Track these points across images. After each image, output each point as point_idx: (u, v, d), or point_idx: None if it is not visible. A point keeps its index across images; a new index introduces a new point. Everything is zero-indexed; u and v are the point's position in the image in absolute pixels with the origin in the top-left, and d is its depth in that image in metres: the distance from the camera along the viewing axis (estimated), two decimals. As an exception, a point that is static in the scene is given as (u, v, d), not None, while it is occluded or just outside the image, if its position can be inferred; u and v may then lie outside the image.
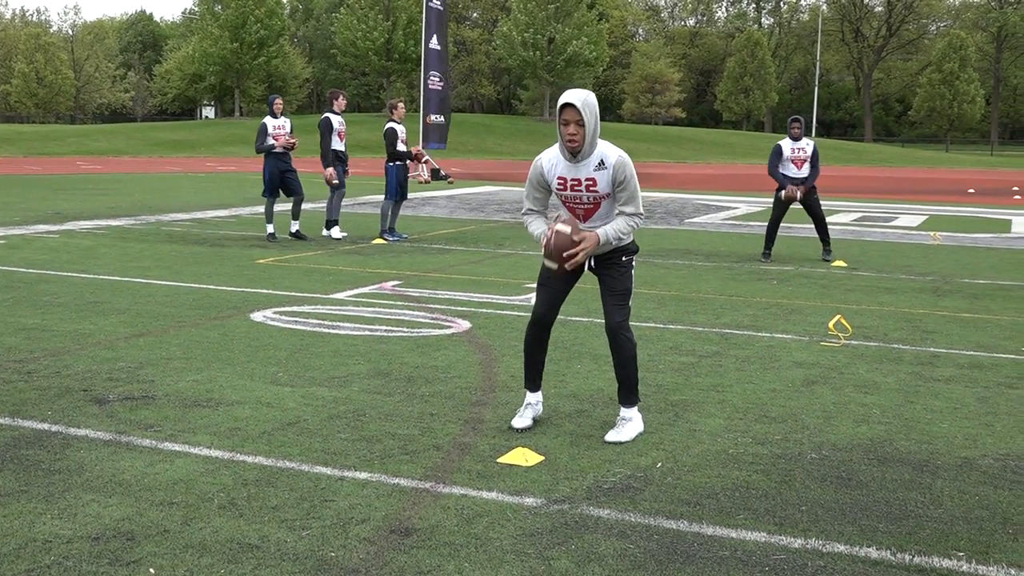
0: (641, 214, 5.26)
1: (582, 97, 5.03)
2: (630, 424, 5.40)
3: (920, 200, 27.52)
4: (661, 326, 8.49)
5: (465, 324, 8.35)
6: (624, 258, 5.36)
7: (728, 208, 22.58)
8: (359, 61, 72.25)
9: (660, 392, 6.29)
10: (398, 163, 14.57)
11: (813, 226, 13.72)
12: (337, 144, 14.44)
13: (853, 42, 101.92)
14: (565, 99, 5.01)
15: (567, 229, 5.13)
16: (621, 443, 5.25)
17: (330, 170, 14.28)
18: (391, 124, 14.51)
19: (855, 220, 20.18)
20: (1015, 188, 35.23)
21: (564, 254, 5.12)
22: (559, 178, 5.24)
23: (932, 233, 17.37)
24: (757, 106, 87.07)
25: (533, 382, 5.54)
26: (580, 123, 5.03)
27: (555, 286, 5.40)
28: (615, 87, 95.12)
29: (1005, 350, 7.83)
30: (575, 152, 5.11)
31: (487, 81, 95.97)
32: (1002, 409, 6.11)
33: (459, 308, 9.10)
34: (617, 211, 5.24)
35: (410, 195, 24.45)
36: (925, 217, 21.33)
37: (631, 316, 5.75)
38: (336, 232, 14.69)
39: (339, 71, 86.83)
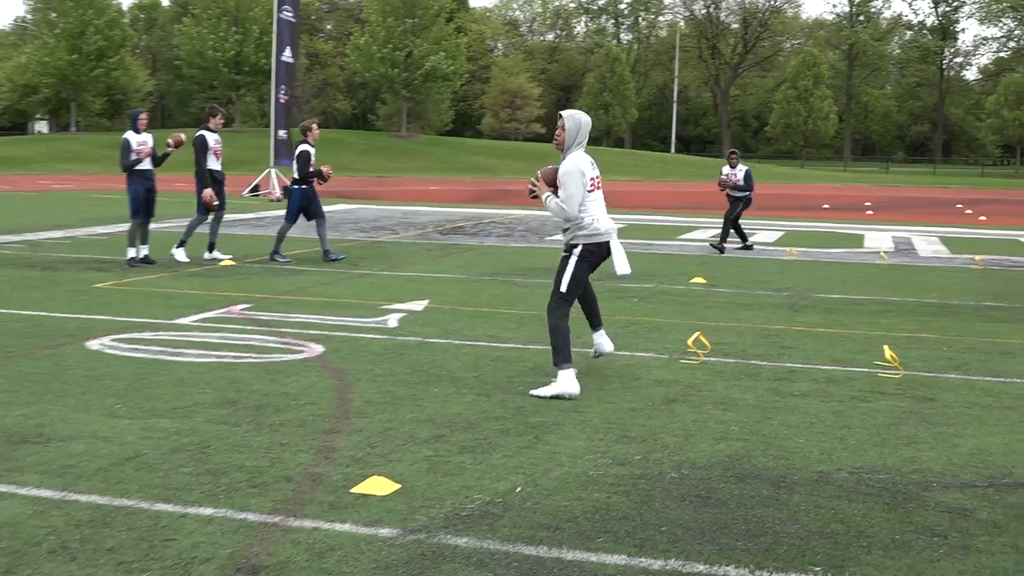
0: (563, 201, 7.05)
1: (571, 112, 7.26)
2: (552, 384, 6.90)
3: (777, 216, 28.47)
4: (522, 346, 8.54)
5: (318, 348, 8.24)
6: (564, 252, 7.22)
7: (589, 225, 22.90)
8: (207, 73, 70.79)
9: (520, 414, 6.32)
10: (303, 186, 14.42)
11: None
12: (213, 163, 14.18)
13: (710, 59, 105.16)
14: (562, 112, 7.27)
15: (550, 171, 7.34)
16: (540, 396, 6.80)
17: (208, 191, 14.00)
18: (305, 147, 14.37)
19: (713, 236, 20.70)
20: (867, 204, 36.78)
21: (532, 180, 7.41)
22: None
23: (788, 249, 17.97)
24: (617, 122, 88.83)
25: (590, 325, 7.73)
26: (563, 127, 7.17)
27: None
28: (474, 102, 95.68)
29: (858, 364, 8.15)
30: (559, 149, 7.26)
31: (342, 95, 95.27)
32: (856, 423, 6.34)
33: (312, 332, 8.98)
34: None
35: (262, 214, 24.03)
36: (781, 233, 22.08)
37: (570, 302, 7.10)
38: (218, 255, 14.50)
39: (185, 83, 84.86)
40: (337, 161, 55.06)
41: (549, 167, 7.40)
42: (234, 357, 7.82)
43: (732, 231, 17.93)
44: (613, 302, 11.30)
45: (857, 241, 20.40)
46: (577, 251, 7.08)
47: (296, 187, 14.47)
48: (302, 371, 7.39)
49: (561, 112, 7.27)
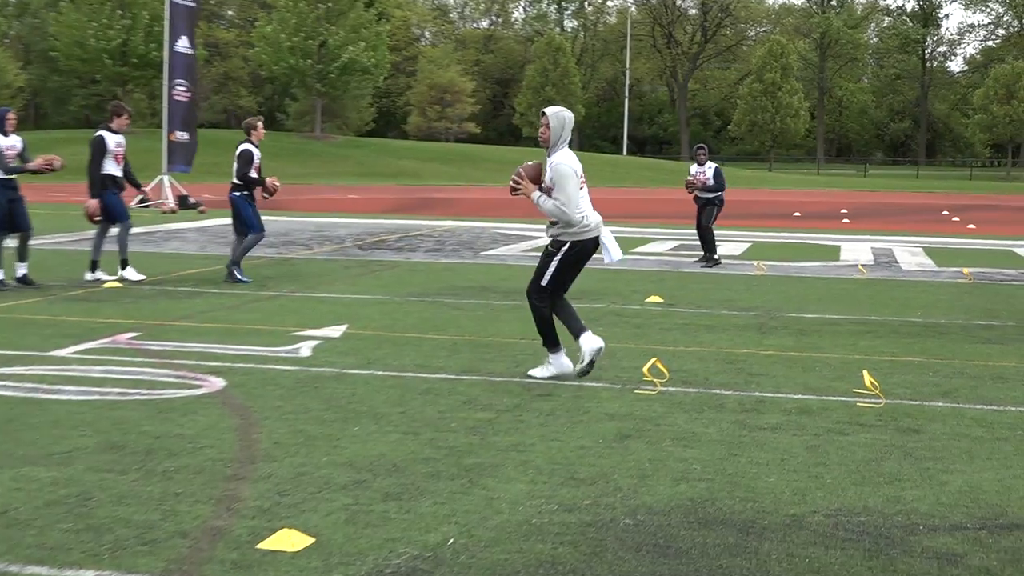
0: (561, 202, 8.08)
1: (555, 109, 8.35)
2: (547, 366, 8.38)
3: (742, 225, 28.77)
4: (453, 377, 8.53)
5: (219, 382, 8.16)
6: (550, 248, 8.32)
7: (529, 238, 22.99)
8: (88, 66, 69.92)
9: (452, 455, 6.31)
10: (244, 192, 14.37)
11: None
12: (114, 168, 14.08)
13: (666, 48, 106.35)
14: (544, 109, 8.30)
15: (533, 166, 8.35)
16: (542, 377, 8.30)
17: (93, 203, 13.89)
18: (247, 146, 14.31)
19: (671, 249, 20.92)
20: (844, 211, 37.37)
21: (513, 175, 8.31)
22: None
23: (756, 262, 18.18)
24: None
25: (572, 333, 8.54)
26: (548, 125, 8.16)
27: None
28: (398, 98, 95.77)
29: (835, 392, 8.25)
30: (544, 147, 8.26)
31: (246, 91, 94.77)
32: (832, 459, 6.41)
33: (211, 363, 8.89)
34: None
35: (153, 228, 23.79)
36: (748, 244, 22.32)
37: (550, 293, 8.31)
38: (132, 274, 14.38)
39: (63, 77, 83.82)
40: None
41: (530, 163, 8.42)
42: (120, 394, 7.71)
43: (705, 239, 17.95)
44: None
45: (833, 253, 20.70)
46: (565, 248, 8.23)
47: (236, 194, 14.40)
48: (200, 409, 7.31)
49: (544, 110, 8.25)
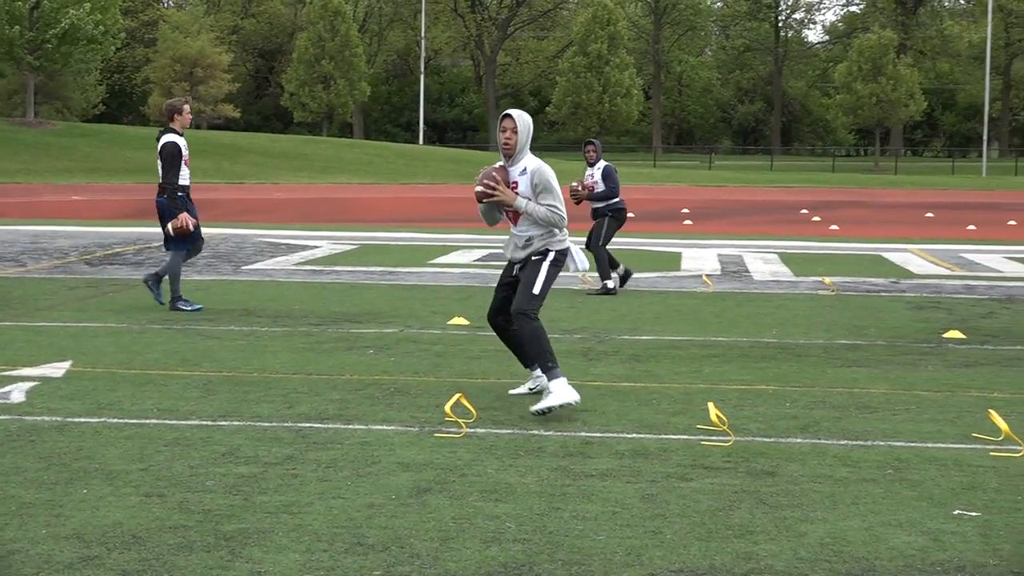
0: (557, 208, 9.02)
1: (518, 112, 9.18)
2: (549, 396, 8.72)
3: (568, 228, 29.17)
4: (208, 423, 8.44)
5: (-96, 438, 7.89)
6: (534, 257, 9.10)
7: (305, 248, 22.89)
8: None
9: (207, 521, 6.24)
10: (179, 195, 14.02)
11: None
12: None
13: (469, 13, 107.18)
14: (506, 112, 9.11)
15: (502, 170, 9.14)
16: (545, 408, 8.69)
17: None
18: (171, 137, 13.99)
19: (480, 260, 21.09)
20: (685, 210, 38.27)
21: (484, 180, 9.06)
22: None
23: (581, 274, 18.47)
24: (342, 101, 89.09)
25: (521, 361, 9.55)
26: (515, 130, 9.02)
27: (501, 293, 9.36)
28: (135, 74, 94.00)
29: (675, 429, 8.47)
30: (507, 155, 9.14)
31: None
32: (673, 510, 6.58)
33: None
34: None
35: None
36: (572, 252, 22.62)
37: (540, 306, 9.03)
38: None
39: None
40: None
41: (493, 167, 9.25)
42: None
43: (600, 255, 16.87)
44: (339, 355, 11.33)
45: (672, 262, 21.21)
46: (551, 256, 9.12)
47: (164, 198, 14.09)
48: None
49: (509, 112, 9.12)
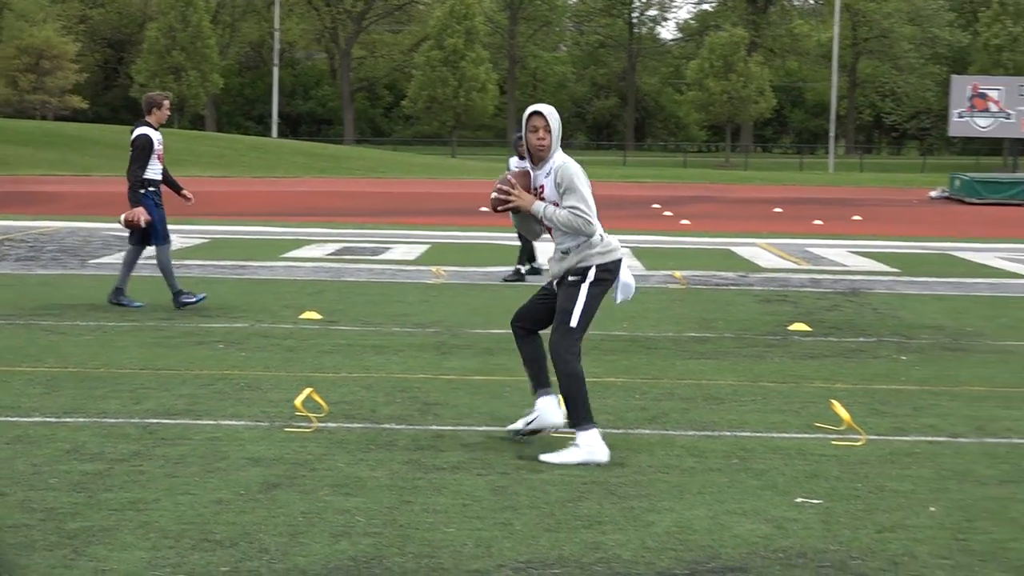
0: (581, 210, 7.68)
1: (549, 109, 7.93)
2: (574, 450, 7.57)
3: (419, 224, 29.24)
4: (52, 420, 8.32)
5: None
6: (571, 277, 7.77)
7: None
8: None
9: (51, 519, 6.16)
10: (151, 190, 13.68)
11: None
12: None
13: (324, 6, 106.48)
14: (535, 110, 7.91)
15: (521, 174, 8.07)
16: (561, 464, 7.46)
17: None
18: (145, 130, 13.63)
19: (332, 254, 21.01)
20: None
21: (500, 184, 7.94)
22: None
23: (434, 268, 18.51)
24: (194, 93, 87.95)
25: (531, 382, 8.06)
26: (547, 129, 7.84)
27: (533, 302, 8.12)
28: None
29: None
30: (540, 159, 7.94)
31: None
32: (523, 501, 6.65)
33: None
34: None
35: None
36: (426, 247, 22.68)
37: (581, 339, 7.78)
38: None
39: None
40: None
41: (512, 172, 8.21)
42: None
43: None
44: (188, 350, 11.23)
45: (515, 254, 21.27)
46: (591, 274, 7.75)
47: (143, 192, 13.73)
48: None
49: (539, 110, 7.91)
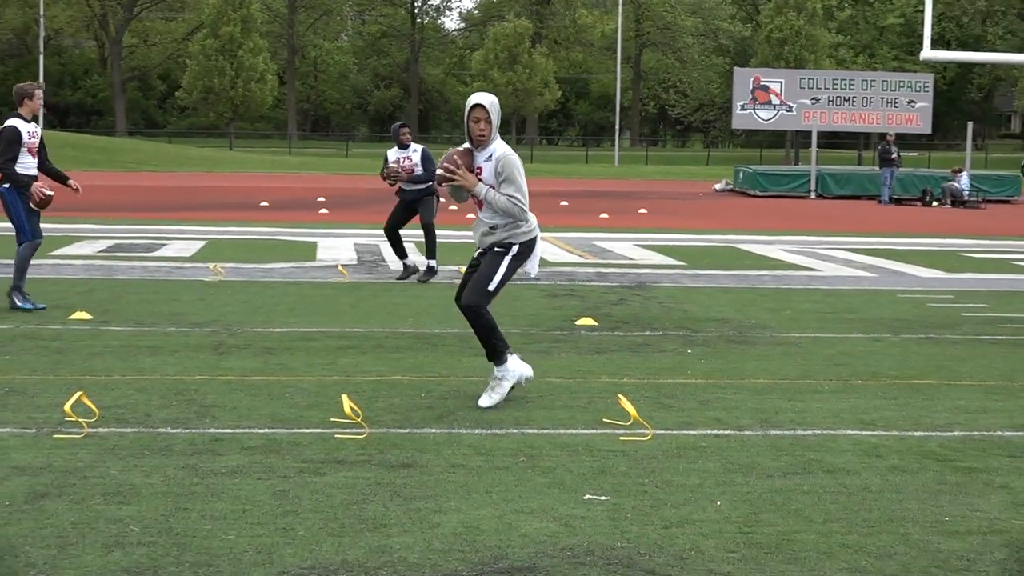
0: (518, 199, 9.09)
1: (491, 98, 9.22)
2: (502, 382, 9.18)
3: (195, 218, 28.80)
4: None
5: None
6: (497, 248, 9.20)
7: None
8: None
9: None
10: (6, 185, 13.27)
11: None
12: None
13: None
14: (476, 102, 9.12)
15: (465, 153, 9.18)
16: (501, 400, 9.11)
17: None
18: (15, 122, 13.32)
19: (104, 251, 20.57)
20: (321, 198, 38.31)
21: (446, 163, 9.09)
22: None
23: (211, 265, 18.26)
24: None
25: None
26: (488, 120, 9.05)
27: (467, 277, 9.48)
28: None
29: (309, 423, 8.51)
30: (480, 144, 9.14)
31: None
32: (305, 505, 6.60)
33: None
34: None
35: None
36: (203, 243, 22.37)
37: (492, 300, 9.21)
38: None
39: None
40: None
41: (457, 150, 9.26)
42: None
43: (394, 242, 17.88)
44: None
45: (308, 252, 21.19)
46: (514, 250, 9.22)
47: (6, 187, 13.38)
48: None
49: (479, 102, 9.12)
